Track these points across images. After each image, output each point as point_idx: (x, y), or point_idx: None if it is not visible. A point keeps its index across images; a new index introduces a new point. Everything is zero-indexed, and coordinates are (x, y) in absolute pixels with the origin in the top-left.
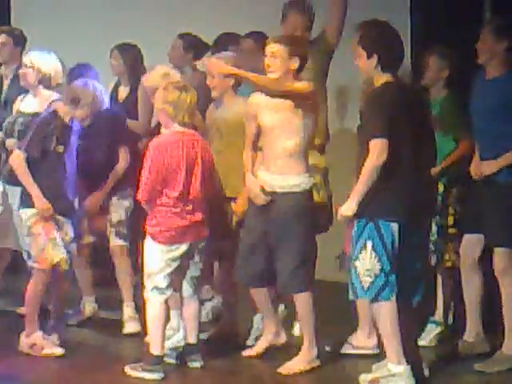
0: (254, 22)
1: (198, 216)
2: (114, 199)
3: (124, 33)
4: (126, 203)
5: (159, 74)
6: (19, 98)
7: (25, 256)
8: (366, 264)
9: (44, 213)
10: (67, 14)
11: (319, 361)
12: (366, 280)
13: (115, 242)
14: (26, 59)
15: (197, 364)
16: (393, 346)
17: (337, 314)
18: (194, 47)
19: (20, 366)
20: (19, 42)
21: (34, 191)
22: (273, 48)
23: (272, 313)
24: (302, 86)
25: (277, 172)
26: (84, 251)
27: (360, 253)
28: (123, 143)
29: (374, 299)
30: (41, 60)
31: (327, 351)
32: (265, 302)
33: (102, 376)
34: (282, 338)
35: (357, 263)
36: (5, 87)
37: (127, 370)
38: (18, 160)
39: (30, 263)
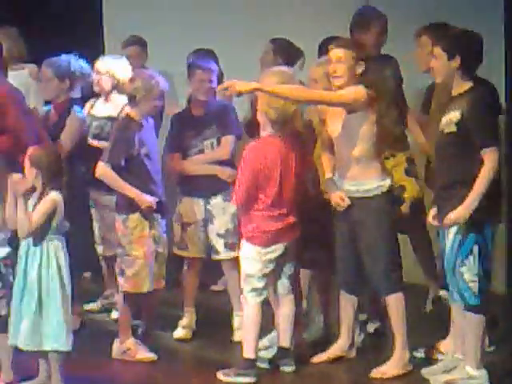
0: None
1: (292, 218)
2: (216, 200)
3: (210, 35)
4: (232, 208)
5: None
6: (89, 102)
7: (117, 270)
8: (474, 269)
9: (149, 209)
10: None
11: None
12: (475, 286)
13: (226, 255)
14: (100, 65)
15: (289, 368)
16: (476, 350)
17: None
18: (285, 52)
19: (114, 371)
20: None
21: (132, 192)
22: (338, 53)
23: (352, 324)
24: (347, 93)
25: (350, 178)
26: (196, 264)
27: (466, 258)
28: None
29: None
30: (115, 66)
31: (420, 357)
32: (350, 311)
33: (194, 381)
34: (352, 353)
35: (463, 269)
36: None
37: (220, 375)
38: (103, 171)
39: (120, 280)
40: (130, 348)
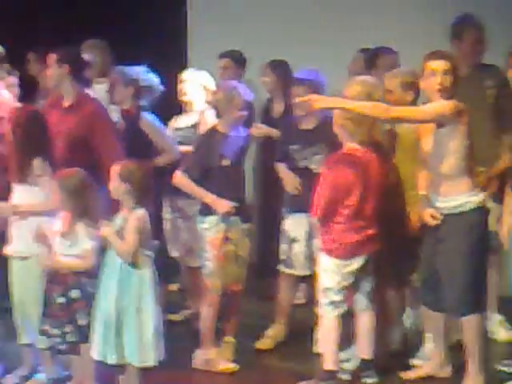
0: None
1: (372, 230)
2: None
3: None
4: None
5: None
6: (173, 118)
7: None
8: None
9: (226, 213)
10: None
11: None
12: None
13: None
14: (186, 76)
15: (371, 380)
16: None
17: None
18: (373, 61)
19: (194, 382)
20: (241, 63)
21: (208, 197)
22: (444, 65)
23: (442, 341)
24: (431, 109)
25: (440, 194)
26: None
27: None
28: None
29: None
30: (201, 77)
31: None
32: (438, 328)
33: None
34: (446, 372)
35: None
36: None
37: None
38: (179, 179)
39: (205, 279)
40: (212, 358)
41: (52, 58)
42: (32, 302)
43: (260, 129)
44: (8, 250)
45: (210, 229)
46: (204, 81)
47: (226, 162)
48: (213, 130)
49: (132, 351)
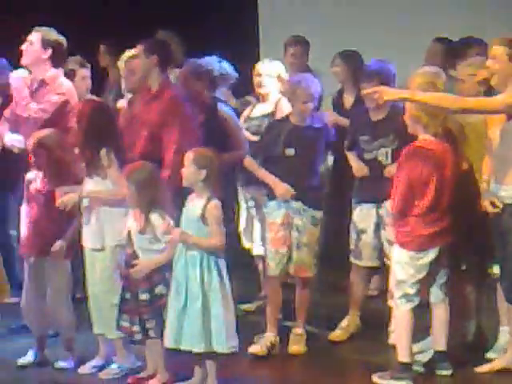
0: None
1: (446, 222)
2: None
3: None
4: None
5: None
6: (249, 107)
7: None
8: None
9: (285, 197)
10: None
11: None
12: None
13: None
14: (261, 67)
15: (445, 372)
16: None
17: None
18: (447, 52)
19: (266, 370)
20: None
21: (270, 179)
22: (496, 50)
23: None
24: (502, 99)
25: (504, 183)
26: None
27: None
28: None
29: None
30: (276, 68)
31: None
32: None
33: (350, 383)
34: None
35: None
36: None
37: (375, 378)
38: (247, 162)
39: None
40: (274, 343)
41: (139, 48)
42: (105, 292)
43: (330, 116)
44: (82, 241)
45: (270, 213)
46: (278, 71)
47: (289, 152)
48: (283, 119)
49: (219, 338)
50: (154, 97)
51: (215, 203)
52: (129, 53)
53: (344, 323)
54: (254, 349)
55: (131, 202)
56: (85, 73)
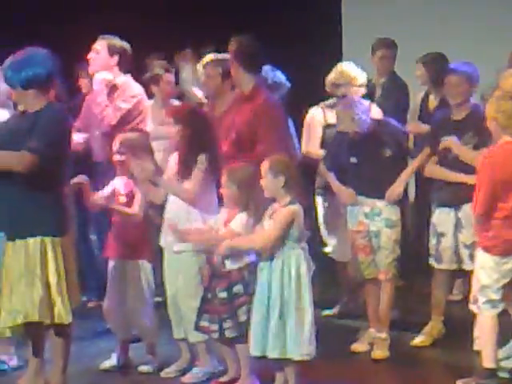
0: None
1: None
2: (467, 208)
3: None
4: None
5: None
6: (322, 112)
7: None
8: None
9: (349, 202)
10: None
11: None
12: None
13: (469, 267)
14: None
15: None
16: None
17: None
18: None
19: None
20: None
21: (335, 185)
22: None
23: None
24: None
25: None
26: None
27: None
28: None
29: None
30: (355, 73)
31: None
32: None
33: None
34: None
35: None
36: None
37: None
38: (320, 169)
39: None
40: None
41: (228, 53)
42: (188, 296)
43: (415, 127)
44: (162, 243)
45: (349, 220)
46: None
47: (354, 160)
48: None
49: (293, 345)
50: (246, 100)
51: (290, 208)
52: (208, 57)
53: (427, 328)
54: (357, 347)
55: (229, 201)
56: (169, 77)
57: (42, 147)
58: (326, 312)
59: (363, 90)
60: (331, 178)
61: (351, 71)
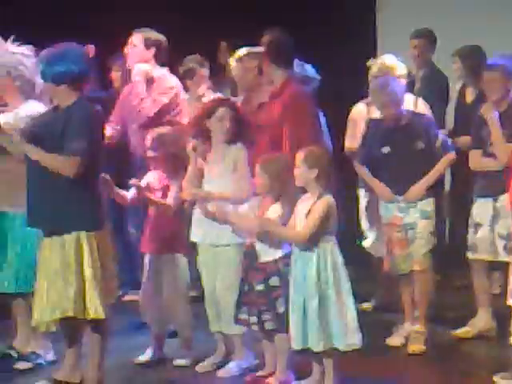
0: None
1: None
2: (505, 199)
3: None
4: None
5: None
6: (366, 106)
7: None
8: None
9: (386, 199)
10: None
11: None
12: None
13: (503, 258)
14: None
15: None
16: None
17: None
18: None
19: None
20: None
21: (375, 184)
22: None
23: None
24: None
25: None
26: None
27: None
28: None
29: None
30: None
31: None
32: None
33: (471, 381)
34: None
35: None
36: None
37: (496, 378)
38: (357, 168)
39: None
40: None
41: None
42: (226, 289)
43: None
44: (194, 238)
45: (383, 215)
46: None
47: (386, 149)
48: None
49: (338, 335)
50: (276, 94)
51: (326, 199)
52: (243, 51)
53: (474, 320)
54: (392, 341)
55: (262, 190)
56: (204, 72)
57: (84, 147)
58: (365, 305)
59: (403, 81)
60: (366, 174)
61: (390, 61)
